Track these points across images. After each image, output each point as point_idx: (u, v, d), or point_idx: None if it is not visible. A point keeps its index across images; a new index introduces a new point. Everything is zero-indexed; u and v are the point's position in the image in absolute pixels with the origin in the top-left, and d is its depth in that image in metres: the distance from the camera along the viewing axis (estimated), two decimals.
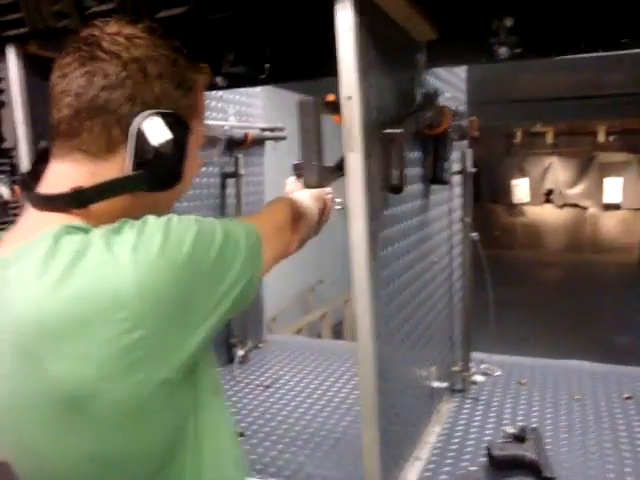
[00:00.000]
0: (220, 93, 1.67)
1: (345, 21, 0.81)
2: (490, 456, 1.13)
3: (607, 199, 7.78)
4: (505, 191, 8.74)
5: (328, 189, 1.03)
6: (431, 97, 1.08)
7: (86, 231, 0.63)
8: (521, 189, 8.65)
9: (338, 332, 5.02)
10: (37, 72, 1.11)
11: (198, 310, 0.63)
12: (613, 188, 7.68)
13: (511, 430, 1.22)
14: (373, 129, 0.86)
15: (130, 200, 0.68)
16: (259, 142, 1.80)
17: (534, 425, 1.27)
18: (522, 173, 8.62)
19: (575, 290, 6.46)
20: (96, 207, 0.66)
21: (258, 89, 1.90)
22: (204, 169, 1.66)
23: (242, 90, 1.79)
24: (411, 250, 1.15)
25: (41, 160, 0.78)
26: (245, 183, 1.76)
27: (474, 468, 1.14)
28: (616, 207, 7.74)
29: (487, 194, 8.77)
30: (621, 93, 5.75)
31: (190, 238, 0.62)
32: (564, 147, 8.17)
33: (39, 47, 1.08)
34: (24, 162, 1.11)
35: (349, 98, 0.83)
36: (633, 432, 1.25)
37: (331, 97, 0.93)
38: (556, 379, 1.55)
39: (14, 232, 0.69)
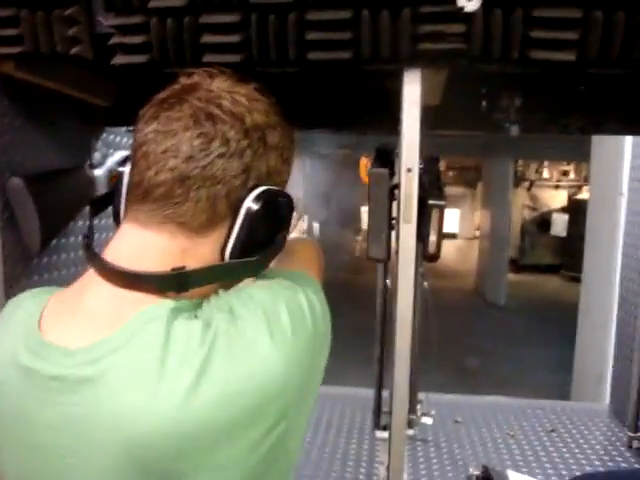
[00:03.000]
0: None
1: (412, 95, 0.82)
2: None
3: (445, 229, 8.64)
4: (355, 217, 9.26)
5: None
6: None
7: (189, 313, 0.55)
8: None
9: None
10: (7, 96, 0.94)
11: (318, 377, 0.59)
12: (450, 219, 8.58)
13: (475, 472, 1.30)
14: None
15: None
16: None
17: (485, 463, 1.37)
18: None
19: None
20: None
21: None
22: None
23: None
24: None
25: (93, 214, 0.67)
26: None
27: None
28: (453, 236, 8.63)
29: (338, 220, 9.23)
30: (459, 135, 6.50)
31: (305, 307, 0.58)
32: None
33: (17, 68, 0.91)
34: None
35: (409, 170, 0.83)
36: (569, 465, 1.41)
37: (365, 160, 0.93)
38: (485, 415, 1.68)
39: (78, 309, 0.57)
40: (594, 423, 1.62)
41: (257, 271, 0.61)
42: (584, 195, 8.48)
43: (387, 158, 1.05)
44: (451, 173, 8.34)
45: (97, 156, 1.18)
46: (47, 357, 0.54)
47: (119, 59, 0.82)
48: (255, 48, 0.78)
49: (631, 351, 1.55)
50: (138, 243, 0.57)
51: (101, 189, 1.15)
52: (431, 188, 0.93)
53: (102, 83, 1.15)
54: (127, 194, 0.60)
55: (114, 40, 0.81)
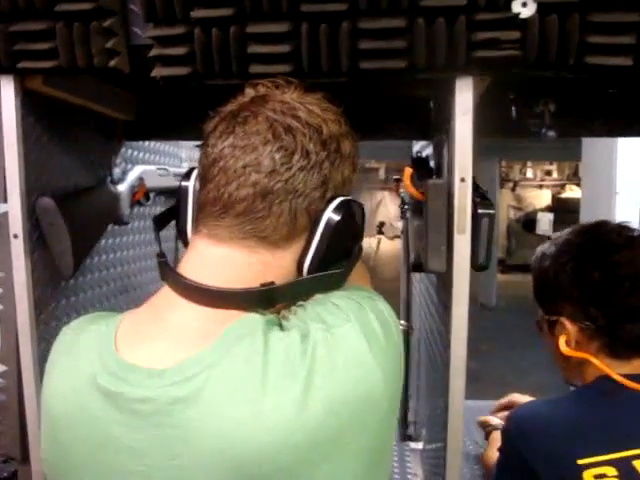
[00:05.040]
0: None
1: (465, 103, 0.80)
2: None
3: None
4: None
5: None
6: None
7: (280, 326, 0.53)
8: None
9: None
10: (34, 112, 0.90)
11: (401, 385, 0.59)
12: None
13: None
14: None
15: None
16: None
17: None
18: None
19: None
20: None
21: None
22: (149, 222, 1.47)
23: None
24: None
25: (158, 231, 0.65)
26: None
27: None
28: None
29: None
30: None
31: (386, 315, 0.58)
32: (393, 183, 8.97)
33: (45, 83, 0.87)
34: (16, 221, 0.88)
35: (462, 180, 0.81)
36: None
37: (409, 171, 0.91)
38: None
39: (158, 329, 0.55)
40: None
41: (340, 283, 0.59)
42: (568, 194, 8.59)
43: (426, 166, 1.04)
44: None
45: (117, 172, 1.15)
46: (130, 379, 0.52)
47: (160, 71, 0.79)
48: (305, 58, 0.75)
49: None
50: (217, 259, 0.56)
51: (125, 205, 1.11)
52: (474, 195, 0.91)
53: (125, 96, 1.11)
54: (198, 210, 0.59)
55: (154, 52, 0.78)
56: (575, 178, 8.65)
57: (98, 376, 0.53)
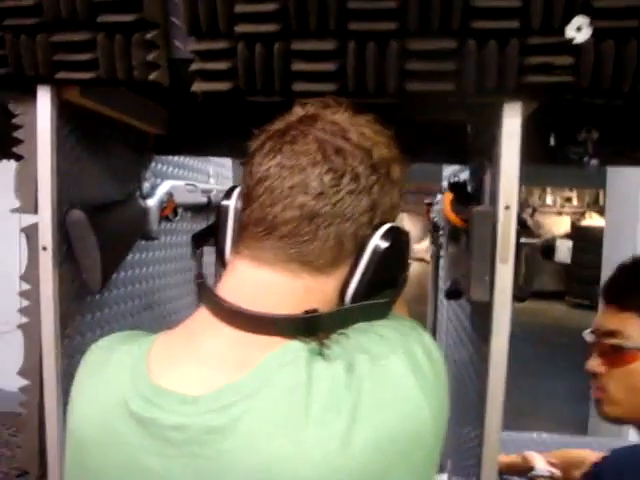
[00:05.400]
0: None
1: (512, 128, 0.77)
2: None
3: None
4: None
5: None
6: None
7: (322, 354, 0.50)
8: None
9: None
10: (69, 123, 0.89)
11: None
12: None
13: None
14: None
15: None
16: None
17: None
18: None
19: None
20: None
21: None
22: (176, 238, 1.45)
23: None
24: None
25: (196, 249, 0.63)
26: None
27: None
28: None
29: None
30: None
31: (431, 347, 0.55)
32: (413, 204, 8.92)
33: (82, 94, 0.86)
34: (46, 232, 0.86)
35: (507, 208, 0.78)
36: None
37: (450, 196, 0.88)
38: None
39: (194, 353, 0.52)
40: None
41: (385, 313, 0.56)
42: (587, 221, 8.48)
43: (464, 192, 1.01)
44: None
45: (146, 186, 1.13)
46: (163, 405, 0.49)
47: (200, 86, 0.77)
48: (351, 77, 0.73)
49: None
50: (258, 283, 0.54)
51: (153, 220, 1.09)
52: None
53: (158, 110, 1.10)
54: (240, 230, 0.56)
55: (195, 66, 0.77)
56: (595, 206, 8.55)
57: (130, 400, 0.51)
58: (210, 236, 0.64)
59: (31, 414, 0.90)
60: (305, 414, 0.45)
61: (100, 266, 0.87)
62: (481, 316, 0.89)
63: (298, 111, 0.58)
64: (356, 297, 0.55)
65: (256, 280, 0.54)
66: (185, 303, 1.40)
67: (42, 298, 0.87)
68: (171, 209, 1.16)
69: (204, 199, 1.37)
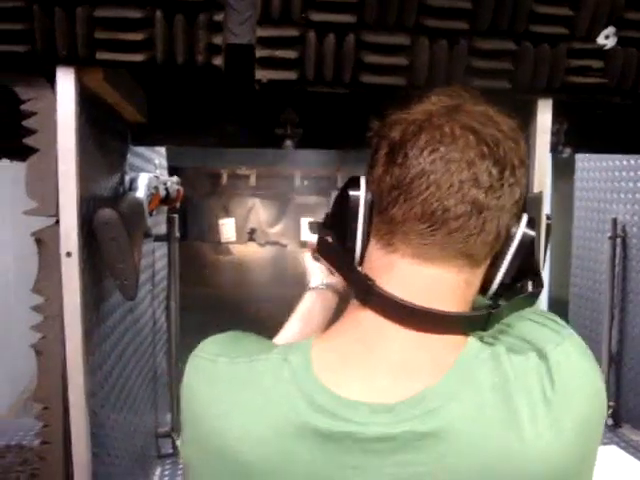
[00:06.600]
0: None
1: (544, 123, 0.85)
2: None
3: (303, 237, 8.83)
4: (212, 230, 9.04)
5: None
6: None
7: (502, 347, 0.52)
8: (228, 228, 9.06)
9: None
10: (86, 112, 0.78)
11: None
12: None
13: None
14: None
15: None
16: None
17: None
18: (228, 213, 9.07)
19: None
20: None
21: None
22: None
23: None
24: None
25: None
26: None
27: None
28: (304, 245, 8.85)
29: (194, 233, 8.92)
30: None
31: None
32: (265, 189, 8.98)
33: (105, 79, 0.76)
34: (71, 236, 0.75)
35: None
36: None
37: None
38: None
39: (373, 359, 0.51)
40: None
41: (534, 303, 0.59)
42: None
43: None
44: (305, 182, 8.58)
45: (127, 179, 1.03)
46: (354, 417, 0.46)
47: (265, 74, 0.73)
48: (420, 72, 0.75)
49: None
50: (427, 281, 0.52)
51: (147, 216, 1.00)
52: None
53: (142, 96, 1.00)
54: (390, 225, 0.53)
55: (261, 53, 0.73)
56: None
57: (307, 416, 0.47)
58: (331, 227, 0.60)
59: (54, 445, 0.78)
60: (515, 409, 0.46)
61: (135, 270, 0.79)
62: None
63: (436, 100, 0.56)
64: (500, 288, 0.56)
65: (425, 278, 0.52)
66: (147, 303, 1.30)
67: (66, 310, 0.76)
68: (156, 203, 1.07)
69: (164, 191, 1.28)
